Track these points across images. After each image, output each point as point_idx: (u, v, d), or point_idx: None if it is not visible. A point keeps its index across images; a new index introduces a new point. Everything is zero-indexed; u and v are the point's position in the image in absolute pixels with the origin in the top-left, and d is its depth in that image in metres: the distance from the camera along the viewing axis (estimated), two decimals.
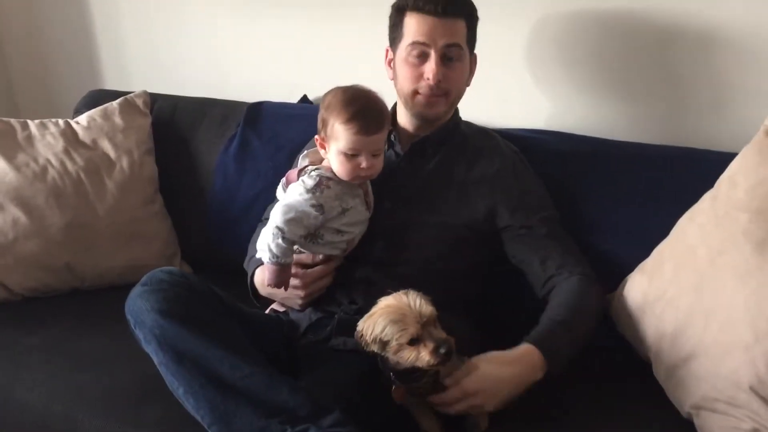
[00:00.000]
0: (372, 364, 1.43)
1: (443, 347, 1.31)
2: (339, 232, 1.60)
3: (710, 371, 1.38)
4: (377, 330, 1.34)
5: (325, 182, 1.57)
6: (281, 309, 1.73)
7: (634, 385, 1.57)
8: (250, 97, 2.27)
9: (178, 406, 1.44)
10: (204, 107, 2.29)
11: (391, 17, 1.71)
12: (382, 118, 1.57)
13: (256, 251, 1.70)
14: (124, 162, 2.12)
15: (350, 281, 1.63)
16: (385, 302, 1.36)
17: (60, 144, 2.09)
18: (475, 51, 1.75)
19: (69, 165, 2.05)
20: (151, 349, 1.39)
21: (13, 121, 2.12)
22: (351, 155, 1.55)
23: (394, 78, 1.74)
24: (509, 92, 1.86)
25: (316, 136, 1.63)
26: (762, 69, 1.77)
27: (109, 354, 1.70)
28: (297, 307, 1.65)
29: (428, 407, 1.43)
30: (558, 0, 1.91)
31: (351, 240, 1.63)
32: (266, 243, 1.54)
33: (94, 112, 2.20)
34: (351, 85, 1.60)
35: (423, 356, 1.32)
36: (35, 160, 2.04)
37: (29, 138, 2.08)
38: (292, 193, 1.59)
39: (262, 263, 1.65)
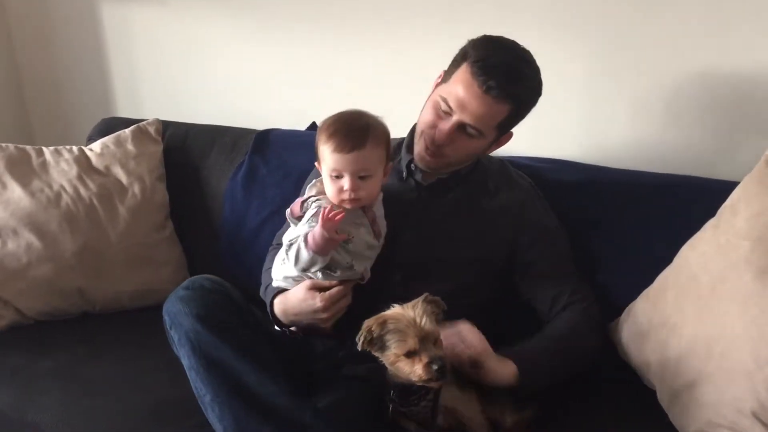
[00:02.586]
0: (380, 393, 1.45)
1: (436, 363, 1.34)
2: (350, 266, 1.58)
3: (713, 397, 1.39)
4: (375, 331, 1.38)
5: (326, 212, 1.54)
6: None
7: (639, 411, 1.58)
8: (260, 124, 2.31)
9: (189, 429, 1.46)
10: (214, 135, 2.32)
11: (457, 53, 1.64)
12: (363, 135, 1.50)
13: (271, 280, 1.71)
14: (136, 188, 2.16)
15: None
16: (394, 311, 1.40)
17: (74, 170, 2.13)
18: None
19: (82, 191, 2.09)
20: (183, 352, 1.40)
21: (28, 147, 2.16)
22: (335, 177, 1.52)
23: (424, 104, 1.72)
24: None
25: (316, 163, 1.63)
26: (762, 100, 1.79)
27: (120, 378, 1.72)
28: (323, 327, 1.62)
29: None
30: (569, 33, 1.96)
31: (364, 270, 1.61)
32: (293, 252, 1.53)
33: (107, 139, 2.24)
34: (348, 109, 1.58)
35: (416, 369, 1.35)
36: (49, 186, 2.08)
37: (44, 164, 2.13)
38: (297, 230, 1.59)
39: (279, 291, 1.66)
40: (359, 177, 1.51)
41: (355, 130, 1.50)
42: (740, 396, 1.34)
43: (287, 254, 1.57)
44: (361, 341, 1.38)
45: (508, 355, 1.50)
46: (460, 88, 1.58)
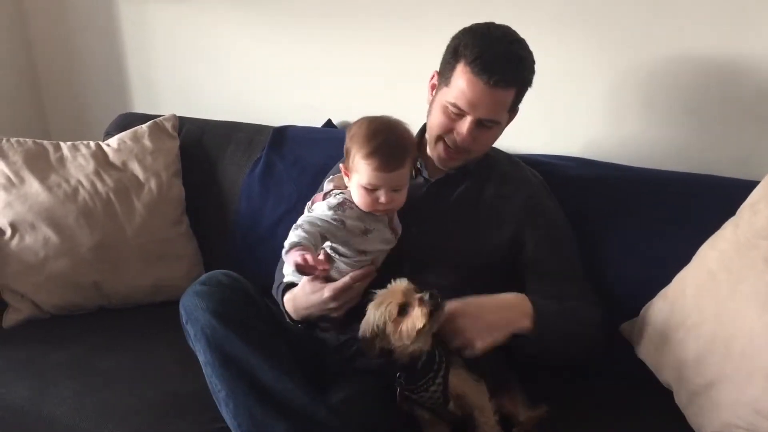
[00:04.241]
0: (392, 387, 1.45)
1: (426, 294, 1.37)
2: (363, 252, 1.60)
3: (731, 398, 1.38)
4: (370, 320, 1.41)
5: (349, 204, 1.59)
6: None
7: (655, 411, 1.57)
8: (276, 121, 2.32)
9: (203, 424, 1.46)
10: (230, 131, 2.33)
11: (446, 52, 1.66)
12: (404, 154, 1.54)
13: (283, 277, 1.72)
14: (153, 184, 2.17)
15: None
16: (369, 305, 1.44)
17: (91, 165, 2.14)
18: None
19: (99, 186, 2.10)
20: (199, 347, 1.40)
21: (46, 142, 2.17)
22: (370, 189, 1.55)
23: (428, 110, 1.74)
24: (533, 118, 1.88)
25: (341, 164, 1.64)
26: None
27: (135, 371, 1.73)
28: (334, 317, 1.63)
29: (442, 424, 1.46)
30: (590, 34, 1.94)
31: (375, 259, 1.63)
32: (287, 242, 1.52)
33: (124, 134, 2.25)
34: (379, 116, 1.59)
35: (416, 314, 1.37)
36: (67, 181, 2.09)
37: (61, 159, 2.14)
38: (315, 211, 1.60)
39: (290, 286, 1.67)
40: (393, 190, 1.56)
41: (397, 148, 1.53)
42: (759, 397, 1.33)
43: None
44: (374, 345, 1.42)
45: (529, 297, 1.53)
46: (466, 89, 1.59)
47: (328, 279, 1.60)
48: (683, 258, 1.61)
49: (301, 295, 1.63)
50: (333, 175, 1.73)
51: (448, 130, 1.65)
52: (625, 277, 1.74)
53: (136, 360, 1.78)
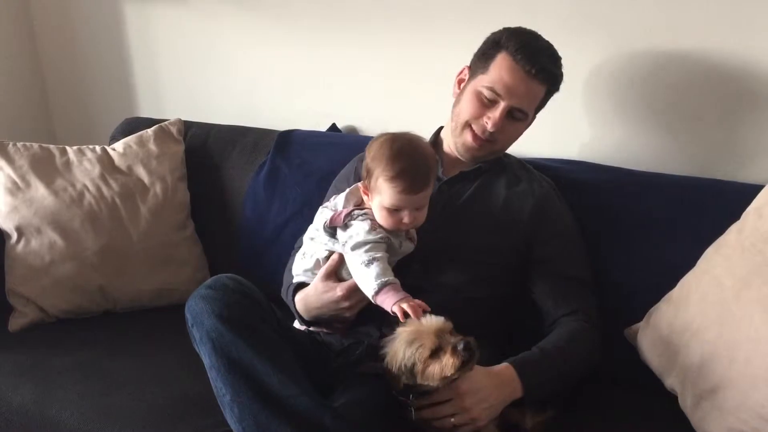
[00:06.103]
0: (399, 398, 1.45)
1: (461, 345, 1.34)
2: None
3: (736, 403, 1.37)
4: (399, 357, 1.38)
5: (377, 224, 1.58)
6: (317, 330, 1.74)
7: (660, 416, 1.56)
8: (281, 125, 2.32)
9: (208, 428, 1.46)
10: (236, 135, 2.34)
11: (485, 45, 1.72)
12: (428, 175, 1.55)
13: (292, 277, 1.72)
14: (158, 188, 2.17)
15: (384, 311, 1.57)
16: (399, 330, 1.41)
17: (96, 170, 2.14)
18: None
19: (105, 190, 2.11)
20: (204, 350, 1.39)
21: (52, 147, 2.18)
22: (393, 210, 1.55)
23: (457, 99, 1.77)
24: (540, 122, 1.89)
25: (360, 183, 1.63)
26: None
27: (140, 375, 1.74)
28: (347, 317, 1.63)
29: None
30: (593, 36, 1.94)
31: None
32: (366, 279, 1.51)
33: (129, 139, 2.26)
34: (400, 134, 1.57)
35: (447, 361, 1.35)
36: (72, 185, 2.10)
37: (67, 163, 2.14)
38: (358, 234, 1.58)
39: (301, 286, 1.68)
40: (416, 209, 1.57)
41: (422, 170, 1.54)
42: (763, 402, 1.32)
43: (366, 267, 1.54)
44: (399, 379, 1.40)
45: (512, 364, 1.52)
46: (506, 75, 1.66)
47: (340, 279, 1.61)
48: (688, 262, 1.61)
49: (313, 295, 1.64)
50: (347, 188, 1.70)
51: (479, 115, 1.70)
52: (630, 281, 1.74)
53: (141, 364, 1.78)
